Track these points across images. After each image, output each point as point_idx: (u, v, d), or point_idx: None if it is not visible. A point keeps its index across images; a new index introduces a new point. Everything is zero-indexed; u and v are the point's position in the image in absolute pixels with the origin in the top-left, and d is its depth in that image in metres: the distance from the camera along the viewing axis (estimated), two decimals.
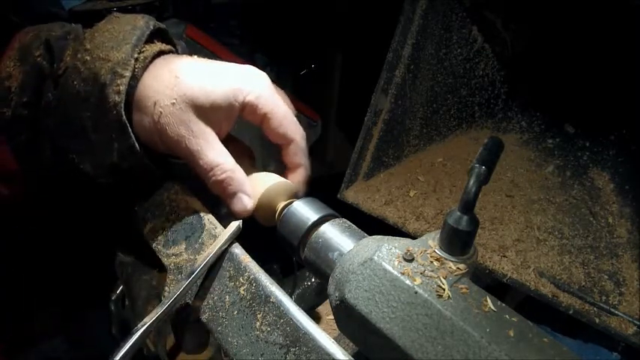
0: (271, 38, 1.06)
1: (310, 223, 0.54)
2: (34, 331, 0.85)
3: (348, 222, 0.55)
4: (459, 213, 0.42)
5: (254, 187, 0.60)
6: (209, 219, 0.57)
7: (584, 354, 0.75)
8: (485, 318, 0.39)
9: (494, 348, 0.36)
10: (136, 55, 0.51)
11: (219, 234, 0.54)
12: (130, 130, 0.51)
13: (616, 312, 0.63)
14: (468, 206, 0.42)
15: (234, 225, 0.55)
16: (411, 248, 0.45)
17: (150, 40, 0.54)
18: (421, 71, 0.83)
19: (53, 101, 0.53)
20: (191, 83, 0.51)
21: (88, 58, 0.51)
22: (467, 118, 0.96)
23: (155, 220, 0.60)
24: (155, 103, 0.50)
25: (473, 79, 0.92)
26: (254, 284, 0.49)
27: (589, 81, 0.89)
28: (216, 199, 0.58)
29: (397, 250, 0.45)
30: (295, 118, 0.59)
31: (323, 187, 0.88)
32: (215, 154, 0.53)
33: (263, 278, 0.49)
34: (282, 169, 1.10)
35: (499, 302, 0.41)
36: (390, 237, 0.48)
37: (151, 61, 0.53)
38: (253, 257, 0.52)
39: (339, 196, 0.83)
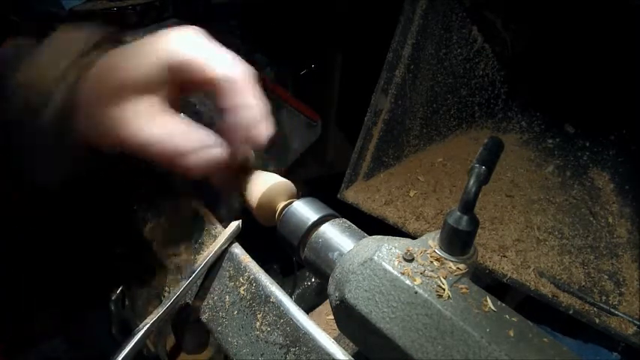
0: (271, 38, 1.06)
1: (310, 223, 0.54)
2: (34, 331, 0.85)
3: (348, 222, 0.55)
4: (459, 213, 0.42)
5: (254, 187, 0.60)
6: (209, 219, 0.57)
7: (584, 354, 0.75)
8: (485, 318, 0.39)
9: (494, 348, 0.36)
10: (71, 72, 0.51)
11: (219, 234, 0.55)
12: (69, 141, 0.52)
13: (616, 312, 0.63)
14: (468, 206, 0.42)
15: (234, 225, 0.55)
16: (411, 248, 0.45)
17: (93, 49, 0.53)
18: (421, 71, 0.83)
19: (6, 118, 0.54)
20: (112, 72, 0.50)
21: (31, 75, 0.53)
22: (467, 118, 0.96)
23: (155, 220, 0.60)
24: (87, 106, 0.50)
25: (473, 79, 0.92)
26: (254, 284, 0.49)
27: (589, 81, 0.89)
28: (215, 199, 0.58)
29: (397, 250, 0.45)
30: (233, 58, 0.53)
31: (323, 187, 0.88)
32: (157, 129, 0.49)
33: (263, 278, 0.49)
34: (282, 169, 1.10)
35: (499, 302, 0.41)
36: (390, 237, 0.48)
37: (85, 70, 0.52)
38: (253, 257, 0.52)
39: (339, 196, 0.83)
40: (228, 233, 0.54)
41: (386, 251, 0.45)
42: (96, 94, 0.50)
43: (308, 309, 1.04)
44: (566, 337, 0.76)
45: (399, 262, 0.44)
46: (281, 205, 0.59)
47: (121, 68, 0.50)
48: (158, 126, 0.49)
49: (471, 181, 0.43)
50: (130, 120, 0.49)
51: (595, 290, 0.66)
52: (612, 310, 0.63)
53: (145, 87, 0.50)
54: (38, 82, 0.52)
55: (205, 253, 0.53)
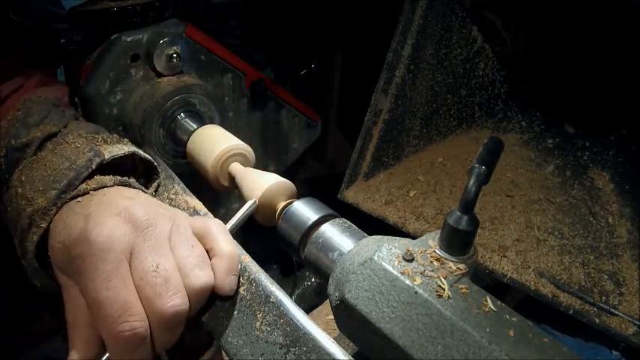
0: (271, 38, 1.06)
1: (310, 223, 0.54)
2: (34, 331, 0.85)
3: (348, 222, 0.55)
4: (459, 213, 0.42)
5: (254, 187, 0.60)
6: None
7: (584, 353, 0.75)
8: (485, 318, 0.39)
9: (494, 348, 0.36)
10: (59, 203, 0.49)
11: None
12: (44, 273, 0.51)
13: (616, 312, 0.63)
14: (467, 206, 0.42)
15: (250, 201, 0.58)
16: (411, 248, 0.45)
17: (89, 175, 0.51)
18: (421, 71, 0.83)
19: (3, 204, 0.55)
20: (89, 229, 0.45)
21: (20, 191, 0.51)
22: (467, 118, 0.96)
23: None
24: (58, 249, 0.47)
25: (473, 79, 0.92)
26: (254, 284, 0.49)
27: (589, 81, 0.89)
28: (216, 198, 0.58)
29: (397, 250, 0.45)
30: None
31: (323, 187, 0.88)
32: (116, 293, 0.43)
33: (263, 278, 0.49)
34: (282, 169, 1.10)
35: (499, 302, 0.41)
36: (390, 237, 0.48)
37: (69, 201, 0.50)
38: (253, 257, 0.52)
39: (339, 196, 0.83)
40: (245, 208, 0.56)
41: (386, 251, 0.45)
42: (57, 244, 0.47)
43: (308, 309, 1.04)
44: (567, 335, 0.76)
45: (399, 262, 0.44)
46: (281, 205, 0.59)
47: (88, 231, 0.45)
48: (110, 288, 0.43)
49: (471, 181, 0.43)
50: (89, 283, 0.44)
51: (595, 290, 0.66)
52: (612, 310, 0.63)
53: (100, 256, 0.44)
54: (17, 204, 0.51)
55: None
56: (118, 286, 0.43)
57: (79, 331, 0.46)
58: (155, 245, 0.45)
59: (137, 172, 0.60)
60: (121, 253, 0.44)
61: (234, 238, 0.52)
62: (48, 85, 0.67)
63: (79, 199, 0.50)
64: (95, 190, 0.51)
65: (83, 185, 0.51)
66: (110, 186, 0.52)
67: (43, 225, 0.49)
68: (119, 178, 0.53)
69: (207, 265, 0.47)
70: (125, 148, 0.56)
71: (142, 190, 0.56)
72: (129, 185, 0.54)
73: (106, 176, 0.52)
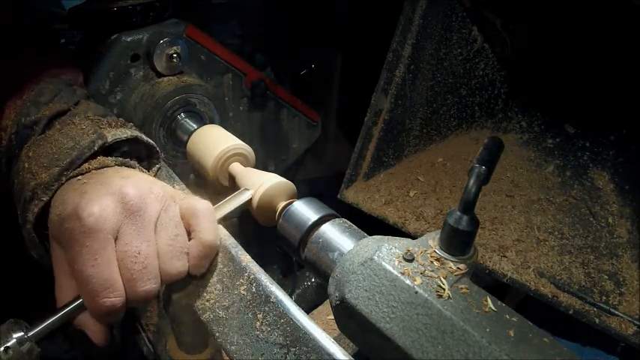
0: (271, 38, 1.06)
1: (310, 223, 0.54)
2: None
3: (348, 222, 0.55)
4: (459, 213, 0.42)
5: (254, 187, 0.60)
6: None
7: (582, 356, 0.75)
8: (485, 318, 0.39)
9: (495, 348, 0.36)
10: (63, 180, 0.52)
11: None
12: (39, 244, 0.54)
13: (616, 312, 0.63)
14: (468, 206, 0.42)
15: (248, 192, 0.58)
16: (411, 248, 0.45)
17: (93, 156, 0.54)
18: (421, 71, 0.83)
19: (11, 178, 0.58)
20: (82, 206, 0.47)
21: (26, 165, 0.54)
22: (467, 118, 0.96)
23: None
24: (55, 221, 0.50)
25: (473, 79, 0.92)
26: (254, 284, 0.49)
27: (589, 81, 0.89)
28: (216, 198, 0.58)
29: (397, 250, 0.45)
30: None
31: (323, 187, 0.88)
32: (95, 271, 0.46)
33: (263, 278, 0.49)
34: (282, 169, 1.10)
35: (499, 302, 0.41)
36: (390, 237, 0.48)
37: (71, 179, 0.52)
38: (253, 257, 0.52)
39: (339, 196, 0.83)
40: (240, 198, 0.58)
41: (386, 251, 0.45)
42: (56, 217, 0.49)
43: (308, 309, 1.04)
44: (565, 340, 0.76)
45: (399, 262, 0.44)
46: (281, 205, 0.59)
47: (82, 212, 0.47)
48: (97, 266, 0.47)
49: (471, 181, 0.43)
50: (80, 258, 0.47)
51: (595, 290, 0.66)
52: (612, 310, 0.63)
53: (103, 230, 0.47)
54: (23, 178, 0.54)
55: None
56: (102, 265, 0.46)
57: (64, 294, 0.50)
58: (140, 230, 0.48)
59: (141, 157, 0.62)
60: (109, 233, 0.47)
61: (229, 227, 0.53)
62: (63, 67, 0.69)
63: (80, 177, 0.52)
64: (97, 169, 0.53)
65: (86, 165, 0.53)
66: (111, 166, 0.54)
67: (45, 198, 0.51)
68: (120, 159, 0.56)
69: (184, 255, 0.50)
70: (128, 132, 0.58)
71: (141, 171, 0.58)
72: (129, 166, 0.57)
73: (109, 157, 0.55)
